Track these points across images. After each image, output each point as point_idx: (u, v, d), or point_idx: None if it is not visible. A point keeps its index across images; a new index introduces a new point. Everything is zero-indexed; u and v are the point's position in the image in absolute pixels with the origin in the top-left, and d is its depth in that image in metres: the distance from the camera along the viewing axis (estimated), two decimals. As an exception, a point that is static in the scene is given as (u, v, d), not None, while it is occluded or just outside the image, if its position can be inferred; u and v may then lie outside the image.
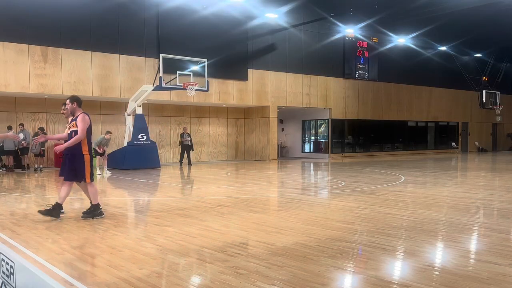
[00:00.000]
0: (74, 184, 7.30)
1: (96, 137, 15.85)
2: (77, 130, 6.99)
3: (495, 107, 32.86)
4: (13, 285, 2.88)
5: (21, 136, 16.44)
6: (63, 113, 7.56)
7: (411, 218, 7.07)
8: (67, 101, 7.26)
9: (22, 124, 17.13)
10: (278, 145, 25.77)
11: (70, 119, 7.29)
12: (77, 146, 6.97)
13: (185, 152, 20.16)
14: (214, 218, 7.16)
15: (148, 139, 18.15)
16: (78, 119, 7.04)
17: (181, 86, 18.04)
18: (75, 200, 9.24)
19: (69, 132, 7.12)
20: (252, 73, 22.89)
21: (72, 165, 6.99)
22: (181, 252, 5.07)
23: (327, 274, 4.30)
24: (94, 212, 7.15)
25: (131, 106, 18.36)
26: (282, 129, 28.76)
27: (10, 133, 9.96)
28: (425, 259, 4.82)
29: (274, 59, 23.72)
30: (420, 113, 31.85)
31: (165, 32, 19.76)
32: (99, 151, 15.52)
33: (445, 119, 33.89)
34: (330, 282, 4.09)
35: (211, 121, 24.04)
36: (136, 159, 17.65)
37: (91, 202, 7.19)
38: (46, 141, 17.39)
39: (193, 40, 20.10)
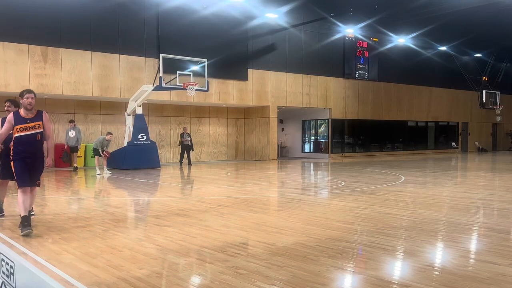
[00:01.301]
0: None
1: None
2: (42, 132, 6.26)
3: (495, 107, 32.86)
4: (13, 285, 2.88)
5: None
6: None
7: (411, 218, 7.07)
8: (32, 95, 6.20)
9: None
10: (278, 145, 25.77)
11: (29, 117, 6.19)
12: (42, 148, 6.45)
13: (185, 152, 20.16)
14: (214, 218, 7.16)
15: (148, 139, 18.14)
16: (47, 120, 6.30)
17: (181, 86, 18.04)
18: (74, 200, 9.24)
19: (31, 132, 6.13)
20: (252, 73, 22.89)
21: (42, 168, 6.48)
22: (181, 252, 5.07)
23: (327, 274, 4.30)
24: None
25: (131, 106, 18.36)
26: (282, 129, 28.75)
27: None
28: (425, 259, 4.82)
29: (274, 59, 23.72)
30: (420, 113, 31.85)
31: (165, 32, 19.76)
32: (107, 155, 15.49)
33: (445, 119, 33.89)
34: (330, 282, 4.09)
35: (211, 121, 24.04)
36: (136, 159, 17.65)
37: (27, 212, 6.21)
38: None
39: (193, 40, 20.10)
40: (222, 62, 20.80)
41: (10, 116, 6.16)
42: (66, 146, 17.25)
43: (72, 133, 16.92)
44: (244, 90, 22.65)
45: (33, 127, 6.15)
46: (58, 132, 19.08)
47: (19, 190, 6.12)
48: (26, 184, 6.17)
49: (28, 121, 6.15)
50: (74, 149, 17.08)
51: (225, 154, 24.67)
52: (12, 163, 6.14)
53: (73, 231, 6.22)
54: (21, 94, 6.18)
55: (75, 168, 17.19)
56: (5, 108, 6.95)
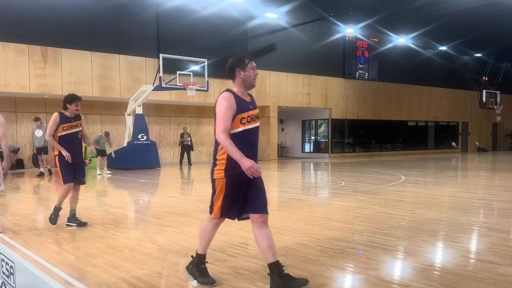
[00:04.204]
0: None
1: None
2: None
3: (495, 107, 32.87)
4: (13, 285, 2.88)
5: None
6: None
7: (411, 218, 7.06)
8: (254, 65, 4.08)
9: None
10: (278, 145, 25.77)
11: (247, 100, 4.11)
12: None
13: (185, 152, 20.17)
14: (214, 218, 7.15)
15: (148, 139, 18.14)
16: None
17: (181, 86, 18.05)
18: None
19: (255, 125, 4.05)
20: (252, 73, 22.86)
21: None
22: (181, 252, 5.07)
23: (327, 274, 4.29)
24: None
25: (131, 106, 18.36)
26: (282, 129, 28.74)
27: None
28: (425, 259, 4.82)
29: (274, 59, 23.71)
30: (420, 113, 31.85)
31: (165, 32, 19.76)
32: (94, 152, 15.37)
33: (445, 119, 33.89)
34: (330, 282, 4.09)
35: (211, 121, 24.03)
36: (136, 159, 17.65)
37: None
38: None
39: (193, 40, 20.09)
40: (222, 62, 20.55)
41: (228, 98, 3.78)
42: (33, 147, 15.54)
43: (38, 133, 14.61)
44: (244, 90, 22.62)
45: (257, 117, 3.99)
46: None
47: (212, 220, 4.09)
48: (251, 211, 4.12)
49: (251, 107, 3.93)
50: (42, 150, 14.79)
51: (225, 154, 24.64)
52: (224, 180, 3.86)
53: (73, 231, 6.22)
54: (241, 63, 3.89)
55: (42, 174, 14.85)
56: (77, 108, 6.49)
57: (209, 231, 4.11)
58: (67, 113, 6.46)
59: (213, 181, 3.92)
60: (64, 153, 6.32)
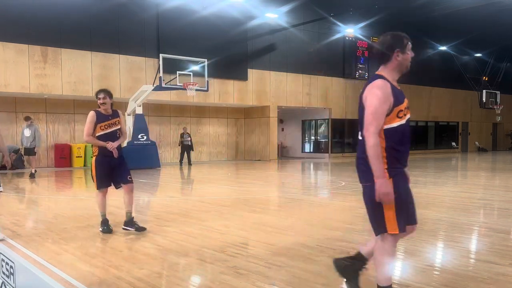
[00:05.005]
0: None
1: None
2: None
3: (495, 107, 32.87)
4: (13, 285, 2.88)
5: None
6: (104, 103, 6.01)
7: (411, 218, 7.06)
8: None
9: None
10: (278, 145, 25.77)
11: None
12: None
13: (185, 152, 20.18)
14: (214, 218, 7.16)
15: (148, 139, 18.14)
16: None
17: (181, 86, 18.06)
18: (74, 200, 9.23)
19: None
20: (252, 73, 22.89)
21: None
22: (181, 252, 5.07)
23: (327, 274, 4.29)
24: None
25: (131, 106, 18.36)
26: (282, 129, 28.74)
27: None
28: (425, 259, 4.81)
29: (274, 59, 23.71)
30: (420, 113, 31.82)
31: (165, 32, 19.76)
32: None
33: (445, 119, 33.89)
34: (330, 282, 4.09)
35: (211, 121, 24.04)
36: (136, 159, 17.60)
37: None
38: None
39: (193, 40, 20.08)
40: (222, 62, 20.79)
41: (384, 86, 3.11)
42: (20, 147, 15.03)
43: (27, 132, 13.84)
44: (244, 90, 22.64)
45: (408, 107, 3.36)
46: (58, 132, 19.08)
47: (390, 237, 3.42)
48: None
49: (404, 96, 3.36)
50: (29, 151, 13.99)
51: (225, 154, 24.66)
52: (391, 181, 3.11)
53: (73, 231, 6.22)
54: (401, 43, 3.22)
55: (32, 175, 13.93)
56: (101, 101, 5.97)
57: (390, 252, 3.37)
58: (102, 111, 6.03)
59: (370, 187, 3.10)
60: (109, 145, 5.88)
